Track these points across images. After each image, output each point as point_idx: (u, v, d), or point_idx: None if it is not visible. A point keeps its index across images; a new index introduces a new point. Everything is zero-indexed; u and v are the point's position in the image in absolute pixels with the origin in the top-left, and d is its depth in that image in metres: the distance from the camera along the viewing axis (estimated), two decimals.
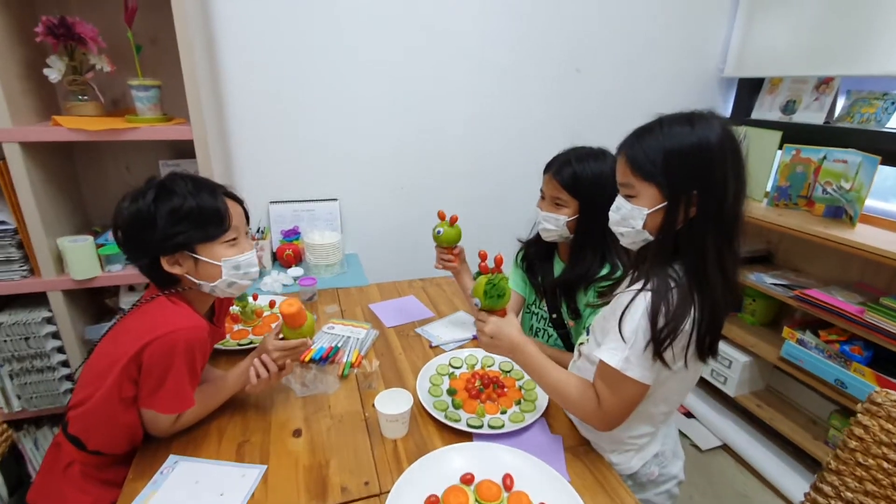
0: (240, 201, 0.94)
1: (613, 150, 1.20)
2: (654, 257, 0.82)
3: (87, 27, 1.27)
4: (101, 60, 1.33)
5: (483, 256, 0.91)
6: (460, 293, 1.56)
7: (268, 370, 0.93)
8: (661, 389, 0.84)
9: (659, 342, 0.76)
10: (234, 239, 0.90)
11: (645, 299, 0.77)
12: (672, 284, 0.77)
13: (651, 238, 0.82)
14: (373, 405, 0.96)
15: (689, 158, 0.76)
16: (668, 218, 0.78)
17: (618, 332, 0.78)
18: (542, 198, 1.19)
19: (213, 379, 0.98)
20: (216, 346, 1.18)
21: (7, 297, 1.42)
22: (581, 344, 0.97)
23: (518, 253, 1.37)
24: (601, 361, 0.80)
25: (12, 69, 1.26)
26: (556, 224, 1.14)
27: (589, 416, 0.85)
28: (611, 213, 0.87)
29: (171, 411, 0.86)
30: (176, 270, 0.87)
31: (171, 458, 0.87)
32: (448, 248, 1.26)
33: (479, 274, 0.91)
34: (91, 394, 0.86)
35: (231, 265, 0.89)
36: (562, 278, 1.20)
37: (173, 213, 0.83)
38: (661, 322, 0.75)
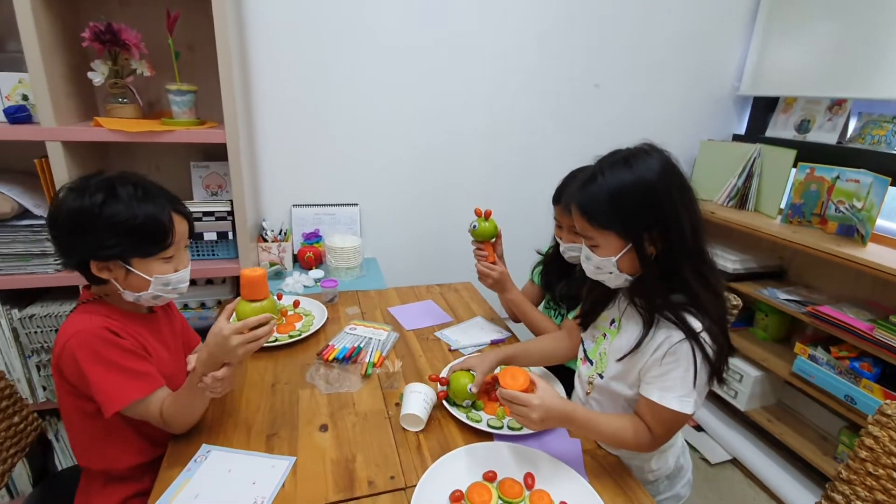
0: (188, 217, 0.91)
1: None
2: (651, 297, 0.84)
3: (132, 33, 1.33)
4: (142, 65, 1.39)
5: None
6: (478, 298, 1.59)
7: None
8: None
9: (721, 374, 0.82)
10: (172, 256, 0.88)
11: (697, 346, 0.80)
12: (704, 319, 0.81)
13: (631, 278, 0.85)
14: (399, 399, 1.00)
15: (635, 200, 0.79)
16: (639, 258, 0.82)
17: (686, 383, 0.81)
18: (559, 227, 1.23)
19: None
20: None
21: (40, 289, 1.47)
22: (591, 377, 0.99)
23: (535, 268, 1.43)
24: (669, 410, 0.82)
25: (58, 71, 1.32)
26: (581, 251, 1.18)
27: (643, 448, 0.88)
28: (583, 263, 0.90)
29: (108, 411, 0.83)
30: (104, 275, 0.85)
31: (204, 447, 0.90)
32: (483, 242, 1.29)
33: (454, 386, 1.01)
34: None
35: (161, 282, 0.87)
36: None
37: (115, 224, 0.80)
38: (714, 358, 0.80)
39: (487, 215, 1.28)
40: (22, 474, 1.62)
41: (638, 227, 0.80)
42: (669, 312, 0.82)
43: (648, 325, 0.84)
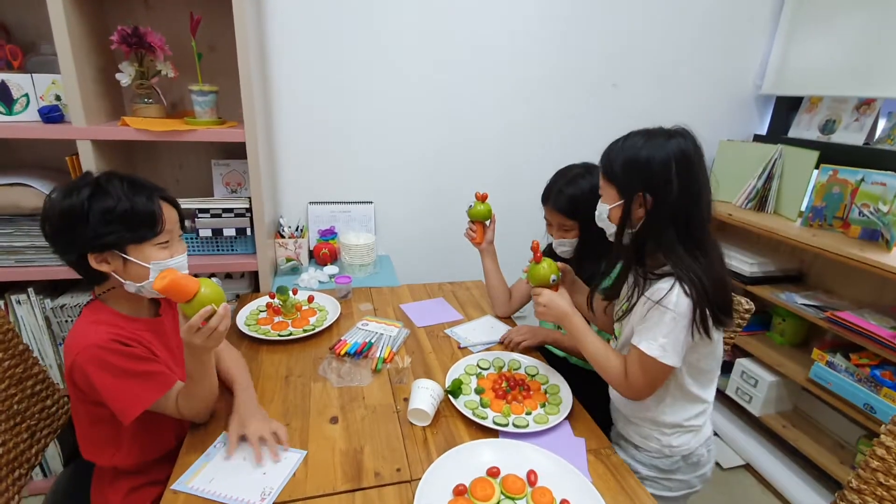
0: (175, 205, 0.95)
1: None
2: (630, 254, 0.96)
3: (157, 36, 1.38)
4: (166, 67, 1.44)
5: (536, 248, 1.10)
6: (488, 297, 1.61)
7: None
8: (688, 365, 0.96)
9: (702, 322, 0.88)
10: (167, 242, 0.91)
11: (674, 292, 0.87)
12: (683, 281, 0.88)
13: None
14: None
15: (636, 167, 0.91)
16: (623, 213, 0.94)
17: (656, 326, 0.90)
18: (550, 225, 1.31)
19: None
20: (257, 335, 1.27)
21: (70, 281, 1.54)
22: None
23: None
24: (638, 349, 0.91)
25: (87, 74, 1.38)
26: (570, 245, 1.28)
27: (617, 384, 0.99)
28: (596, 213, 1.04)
29: (126, 419, 0.86)
30: (103, 268, 0.87)
31: (223, 435, 0.94)
32: (476, 222, 1.40)
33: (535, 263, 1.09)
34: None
35: (160, 268, 0.88)
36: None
37: (106, 213, 0.84)
38: (696, 306, 0.87)
39: (483, 198, 1.40)
40: (54, 455, 1.71)
41: (630, 188, 0.92)
42: (651, 274, 0.93)
43: (637, 287, 0.95)
